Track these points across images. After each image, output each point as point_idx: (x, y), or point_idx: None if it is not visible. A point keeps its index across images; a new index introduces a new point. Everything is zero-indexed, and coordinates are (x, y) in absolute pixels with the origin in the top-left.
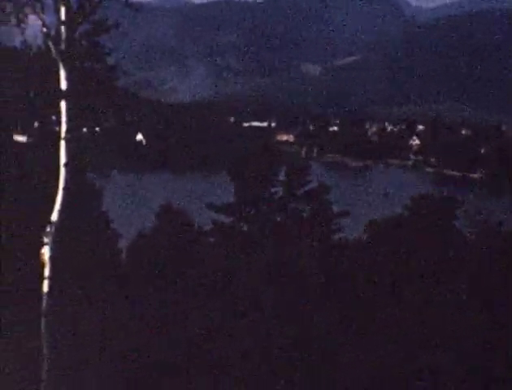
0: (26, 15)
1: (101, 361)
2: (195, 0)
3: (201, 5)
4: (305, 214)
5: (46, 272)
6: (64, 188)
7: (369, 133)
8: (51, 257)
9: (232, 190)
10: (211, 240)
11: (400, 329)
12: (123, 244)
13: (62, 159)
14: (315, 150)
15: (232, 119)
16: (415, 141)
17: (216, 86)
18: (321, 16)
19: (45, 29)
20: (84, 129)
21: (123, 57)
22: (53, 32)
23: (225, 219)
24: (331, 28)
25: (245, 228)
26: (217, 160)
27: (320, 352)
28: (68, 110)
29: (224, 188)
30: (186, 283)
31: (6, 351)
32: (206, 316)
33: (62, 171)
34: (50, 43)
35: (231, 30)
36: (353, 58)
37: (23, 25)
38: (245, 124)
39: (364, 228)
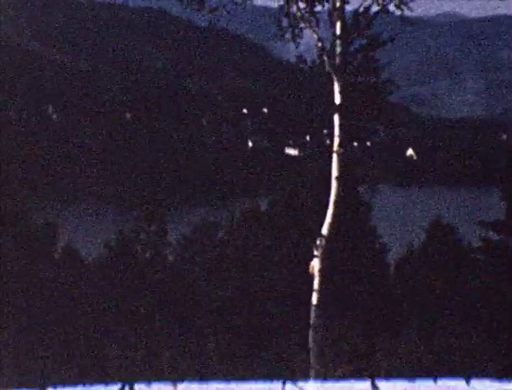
0: (301, 30)
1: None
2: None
3: (479, 20)
4: None
5: (315, 285)
6: (335, 202)
7: None
8: (320, 270)
9: (505, 206)
10: (480, 257)
11: None
12: (391, 258)
13: (334, 172)
14: None
15: (504, 136)
16: None
17: (492, 102)
18: None
19: (319, 43)
20: (355, 143)
21: (397, 71)
22: (327, 47)
23: (495, 237)
24: None
25: None
26: (487, 176)
27: None
28: (341, 124)
29: (496, 203)
30: (443, 301)
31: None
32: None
33: (334, 184)
34: (325, 57)
35: (508, 45)
36: None
37: (298, 40)
38: None
39: None
